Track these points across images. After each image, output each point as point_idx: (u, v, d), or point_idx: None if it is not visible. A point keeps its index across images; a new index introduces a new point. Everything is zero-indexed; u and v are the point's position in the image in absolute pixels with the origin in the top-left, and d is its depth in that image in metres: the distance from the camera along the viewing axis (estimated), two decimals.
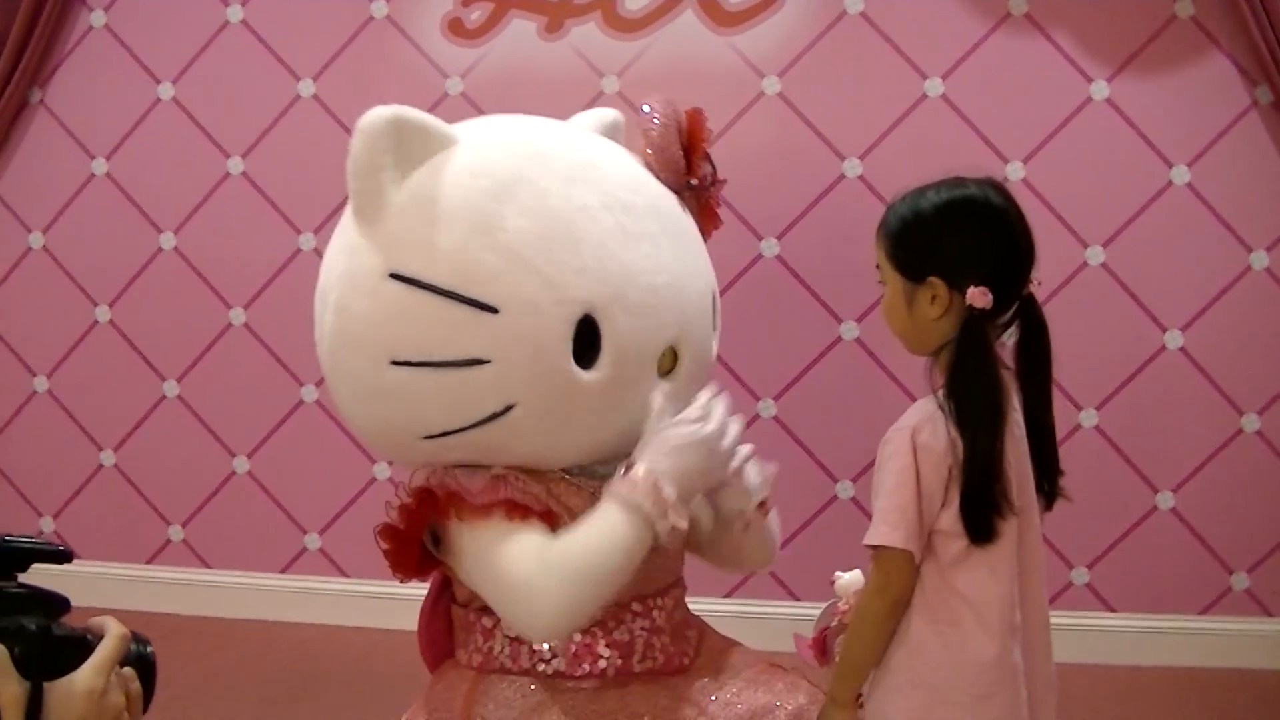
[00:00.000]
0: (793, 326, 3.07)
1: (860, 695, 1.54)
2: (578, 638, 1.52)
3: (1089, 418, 2.99)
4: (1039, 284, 1.49)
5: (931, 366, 1.49)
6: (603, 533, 1.42)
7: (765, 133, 3.04)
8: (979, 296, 1.41)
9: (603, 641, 1.54)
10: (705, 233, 1.77)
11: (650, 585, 1.58)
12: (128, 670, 0.98)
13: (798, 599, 3.10)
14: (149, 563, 3.39)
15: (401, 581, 1.63)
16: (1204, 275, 2.96)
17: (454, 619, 1.65)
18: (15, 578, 0.96)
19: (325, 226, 3.15)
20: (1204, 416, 2.97)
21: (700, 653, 1.65)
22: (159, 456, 3.40)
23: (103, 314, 3.37)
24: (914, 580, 1.46)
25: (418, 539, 1.55)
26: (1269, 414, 2.96)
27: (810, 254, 3.05)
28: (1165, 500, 3.00)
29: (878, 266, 1.53)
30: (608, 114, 1.81)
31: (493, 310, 1.45)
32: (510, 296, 1.46)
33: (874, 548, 1.45)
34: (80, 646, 0.95)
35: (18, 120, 3.36)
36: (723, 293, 3.04)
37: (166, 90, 3.26)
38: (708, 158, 1.74)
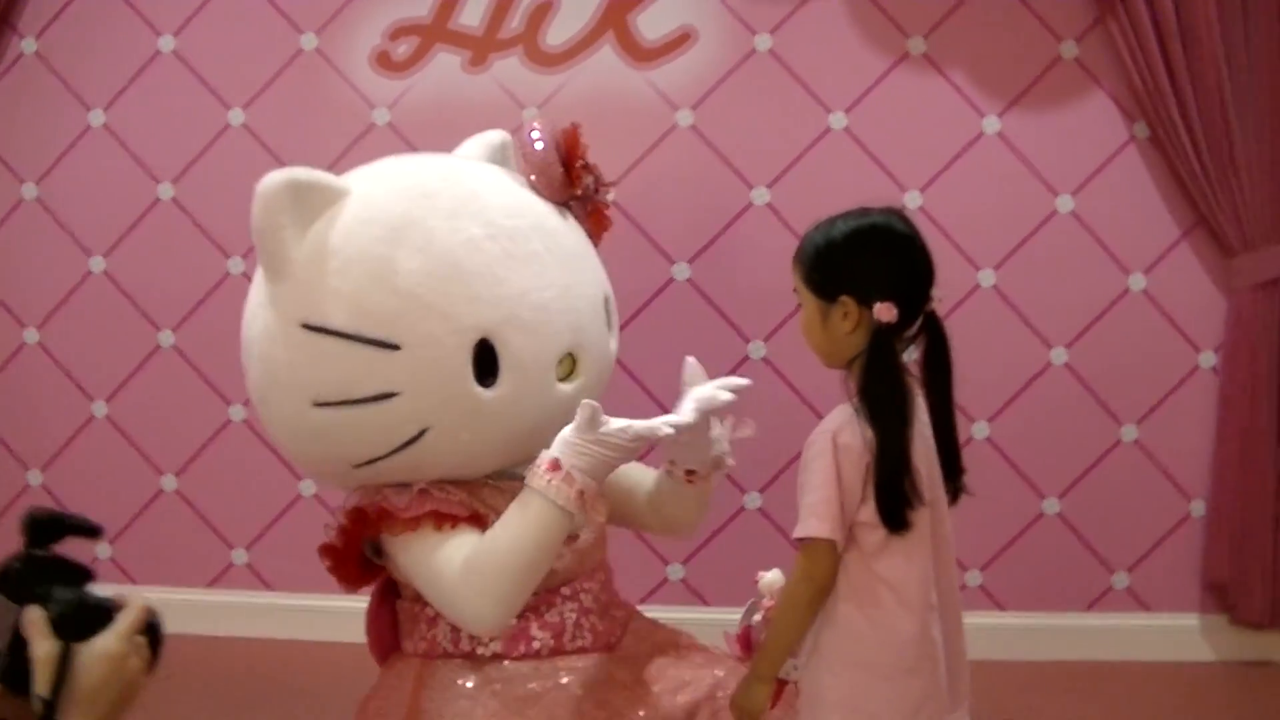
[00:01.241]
0: (703, 346, 2.98)
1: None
2: (513, 622, 1.61)
3: (981, 430, 3.09)
4: (940, 300, 1.62)
5: (846, 377, 1.61)
6: (523, 526, 1.50)
7: (678, 162, 3.11)
8: (885, 311, 1.54)
9: (535, 624, 1.65)
10: (595, 236, 1.85)
11: (577, 570, 1.69)
12: (139, 638, 1.07)
13: (708, 604, 3.17)
14: None
15: (349, 592, 1.72)
16: (1087, 296, 3.07)
17: (399, 612, 1.74)
18: (49, 548, 1.05)
19: (254, 251, 3.23)
20: (1087, 428, 3.09)
21: (628, 633, 1.76)
22: (87, 475, 3.38)
23: (31, 336, 3.35)
24: (836, 568, 1.57)
25: (356, 555, 1.65)
26: (1146, 425, 3.08)
27: (720, 277, 3.12)
28: (1051, 506, 3.13)
29: (795, 290, 1.65)
30: (495, 136, 1.90)
31: (395, 348, 1.56)
32: (409, 333, 1.56)
33: (801, 540, 1.56)
34: (106, 613, 1.05)
35: None
36: (637, 314, 3.15)
37: (98, 117, 3.25)
38: (588, 168, 1.80)
